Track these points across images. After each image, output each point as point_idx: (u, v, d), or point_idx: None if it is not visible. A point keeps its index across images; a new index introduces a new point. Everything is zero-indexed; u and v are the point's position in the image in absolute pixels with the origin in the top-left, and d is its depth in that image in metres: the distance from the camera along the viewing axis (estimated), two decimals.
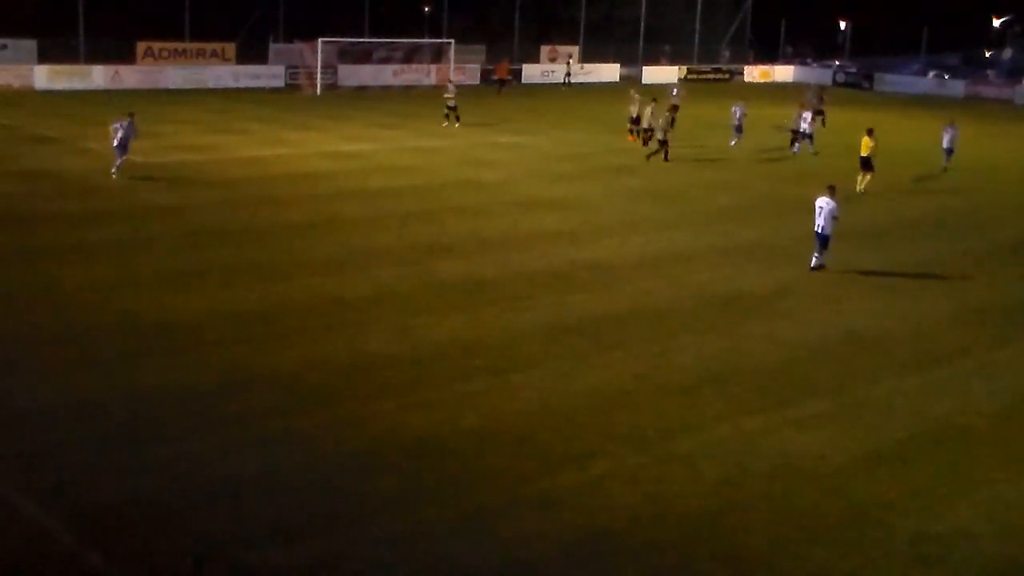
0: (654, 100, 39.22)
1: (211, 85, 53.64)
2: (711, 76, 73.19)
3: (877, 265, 22.82)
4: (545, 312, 18.33)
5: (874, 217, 28.11)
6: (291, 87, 55.24)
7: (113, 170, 28.14)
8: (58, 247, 21.25)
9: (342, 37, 56.39)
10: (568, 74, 63.85)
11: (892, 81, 70.63)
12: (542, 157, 35.86)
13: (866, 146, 31.06)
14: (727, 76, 73.88)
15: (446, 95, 42.29)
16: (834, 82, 73.08)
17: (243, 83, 54.67)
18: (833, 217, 21.55)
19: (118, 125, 28.10)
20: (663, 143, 35.10)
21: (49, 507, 11.00)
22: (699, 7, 73.58)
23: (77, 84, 50.35)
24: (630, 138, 39.43)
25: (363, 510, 11.25)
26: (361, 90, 55.74)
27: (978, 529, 11.48)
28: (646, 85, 67.70)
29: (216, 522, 10.83)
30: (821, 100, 41.32)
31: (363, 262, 21.13)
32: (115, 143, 28.07)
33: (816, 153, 37.55)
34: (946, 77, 71.59)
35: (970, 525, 11.56)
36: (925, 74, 72.94)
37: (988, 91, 67.12)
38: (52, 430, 12.79)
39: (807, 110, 39.18)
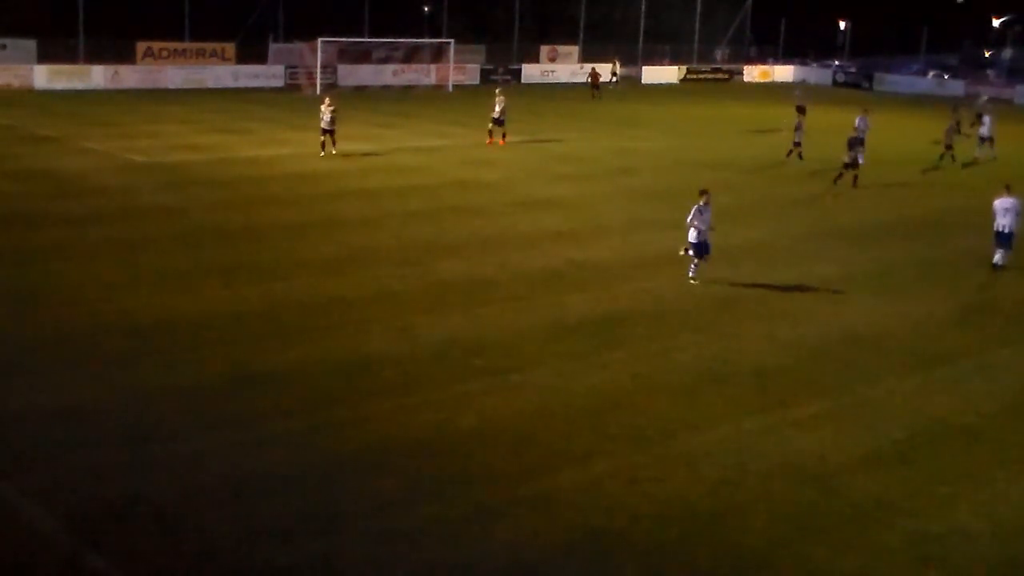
0: (799, 111, 37.78)
1: (211, 85, 53.69)
2: (710, 76, 73.23)
3: (877, 265, 22.82)
4: (545, 312, 18.32)
5: (875, 216, 28.12)
6: (291, 87, 55.29)
7: (692, 275, 20.51)
8: (58, 247, 21.23)
9: (342, 37, 56.43)
10: (614, 73, 63.83)
11: (892, 81, 70.71)
12: (542, 157, 35.86)
13: None
14: (726, 76, 73.90)
15: (322, 115, 33.28)
16: (834, 82, 73.16)
17: (243, 83, 54.72)
18: (1017, 214, 21.96)
19: (695, 213, 20.12)
20: (849, 165, 31.46)
21: (49, 507, 10.99)
22: (699, 7, 73.61)
23: (77, 84, 50.40)
24: (488, 141, 37.57)
25: (363, 510, 11.24)
26: (361, 90, 55.76)
27: (978, 529, 11.47)
28: (646, 85, 67.86)
29: (216, 522, 10.83)
30: (956, 110, 39.97)
31: (363, 262, 21.12)
32: (693, 239, 20.29)
33: (995, 158, 37.27)
34: (946, 77, 71.63)
35: (970, 525, 11.55)
36: (925, 74, 73.01)
37: (988, 91, 67.09)
38: (52, 430, 12.78)
39: (982, 115, 38.05)
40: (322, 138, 33.15)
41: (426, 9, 68.92)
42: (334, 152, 33.07)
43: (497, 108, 37.66)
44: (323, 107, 33.22)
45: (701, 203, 20.01)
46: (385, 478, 11.94)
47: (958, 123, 38.09)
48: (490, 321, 17.76)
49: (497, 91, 39.47)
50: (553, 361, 15.94)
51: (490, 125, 37.92)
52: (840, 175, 31.67)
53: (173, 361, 15.21)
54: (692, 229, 20.14)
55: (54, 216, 23.92)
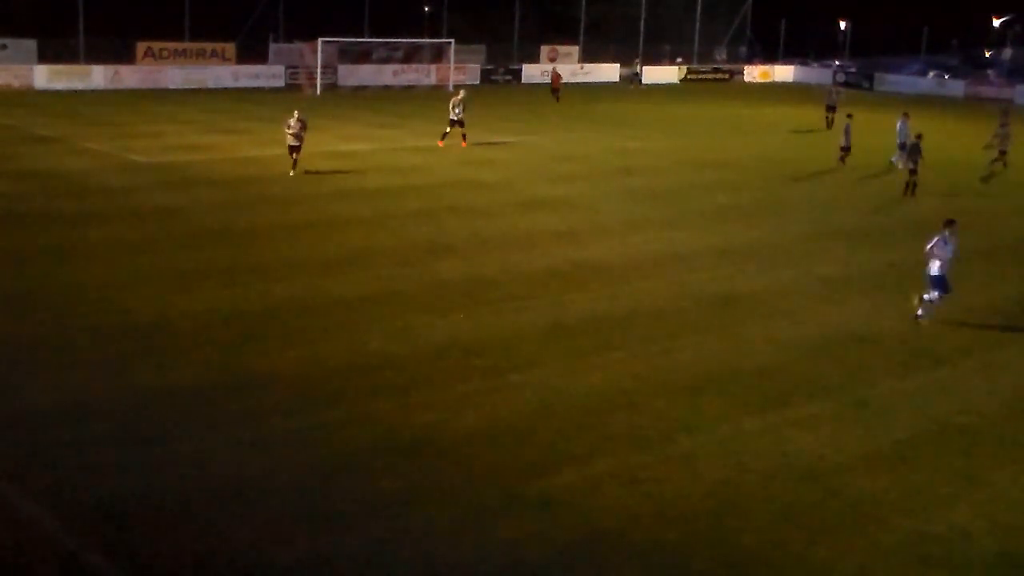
0: (849, 116, 36.99)
1: (211, 85, 53.71)
2: (711, 76, 73.24)
3: (877, 265, 22.82)
4: (545, 312, 18.32)
5: (875, 218, 28.13)
6: (291, 87, 55.30)
7: (921, 313, 18.59)
8: (58, 247, 21.24)
9: (342, 37, 56.45)
10: (637, 73, 63.98)
11: (892, 81, 70.67)
12: (542, 157, 35.85)
13: None
14: (727, 76, 73.90)
15: (288, 129, 29.98)
16: (834, 82, 73.12)
17: (243, 83, 54.75)
18: None
19: (938, 244, 18.13)
20: (913, 172, 30.26)
21: (49, 507, 10.99)
22: (699, 7, 73.62)
23: (77, 84, 50.42)
24: (440, 143, 36.20)
25: (363, 510, 11.25)
26: (361, 90, 55.77)
27: (978, 529, 11.47)
28: (646, 85, 67.87)
29: (216, 522, 10.82)
30: (1007, 115, 39.33)
31: (363, 262, 21.13)
32: (935, 271, 18.23)
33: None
34: (946, 77, 71.63)
35: (970, 525, 11.54)
36: (925, 74, 72.99)
37: (988, 91, 67.12)
38: (51, 430, 12.78)
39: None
40: (292, 156, 29.71)
41: (426, 9, 68.91)
42: (293, 173, 29.62)
43: (456, 110, 36.15)
44: (291, 120, 29.79)
45: (946, 233, 18.17)
46: (385, 478, 11.94)
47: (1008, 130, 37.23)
48: (490, 321, 17.76)
49: (461, 92, 38.17)
50: (553, 361, 15.94)
51: (451, 128, 36.51)
52: (910, 185, 30.78)
53: (173, 361, 15.21)
54: (934, 260, 18.16)
55: (54, 216, 23.92)
